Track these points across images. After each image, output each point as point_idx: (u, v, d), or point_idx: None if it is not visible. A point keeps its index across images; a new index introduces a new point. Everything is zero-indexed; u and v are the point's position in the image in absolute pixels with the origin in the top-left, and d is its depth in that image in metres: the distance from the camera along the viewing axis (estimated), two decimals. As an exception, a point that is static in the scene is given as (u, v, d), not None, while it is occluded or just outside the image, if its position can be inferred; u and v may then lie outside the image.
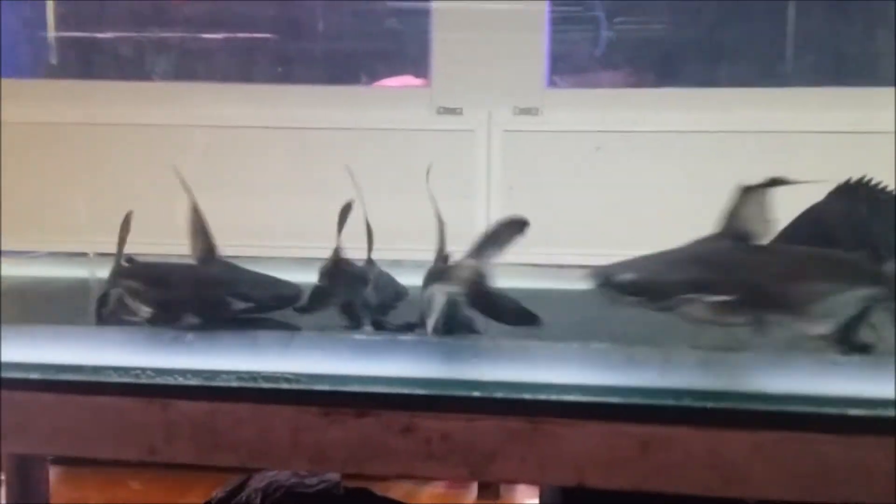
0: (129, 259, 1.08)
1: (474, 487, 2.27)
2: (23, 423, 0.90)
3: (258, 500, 1.38)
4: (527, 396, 0.88)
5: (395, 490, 1.70)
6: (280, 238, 1.87)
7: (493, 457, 0.88)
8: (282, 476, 1.42)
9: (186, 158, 1.97)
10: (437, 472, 0.89)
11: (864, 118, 1.88)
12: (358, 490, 1.41)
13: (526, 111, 1.98)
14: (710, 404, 0.87)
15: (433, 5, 1.98)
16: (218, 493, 1.47)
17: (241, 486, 1.47)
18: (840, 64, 2.10)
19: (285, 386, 0.89)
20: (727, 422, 0.86)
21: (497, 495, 2.35)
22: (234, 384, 0.89)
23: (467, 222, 2.03)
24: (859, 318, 0.93)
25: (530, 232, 1.99)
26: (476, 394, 0.88)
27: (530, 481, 0.89)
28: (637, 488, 0.87)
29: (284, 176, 1.87)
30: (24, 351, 0.91)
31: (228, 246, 1.91)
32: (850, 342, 0.93)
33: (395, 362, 0.90)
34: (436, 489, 2.23)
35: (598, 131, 1.95)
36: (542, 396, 0.88)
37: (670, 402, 0.87)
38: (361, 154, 1.98)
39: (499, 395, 0.88)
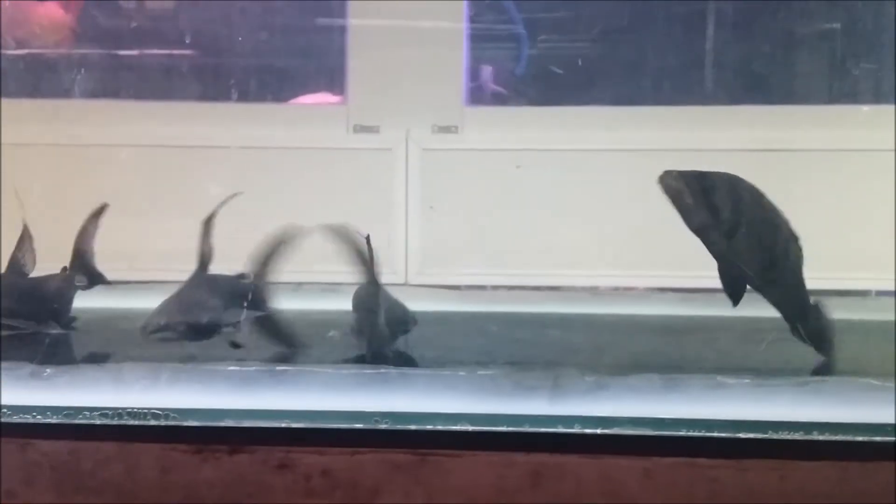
0: None
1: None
2: None
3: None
4: (412, 427, 0.84)
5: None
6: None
7: (377, 492, 0.83)
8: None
9: (93, 178, 1.89)
10: (318, 510, 0.84)
11: (782, 136, 1.90)
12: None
13: (445, 129, 1.95)
14: (600, 430, 0.84)
15: (350, 22, 1.94)
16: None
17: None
18: (756, 82, 2.12)
19: (153, 422, 0.83)
20: (618, 448, 0.84)
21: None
22: (98, 421, 0.83)
23: (387, 242, 2.00)
24: None
25: (451, 253, 1.96)
26: (359, 425, 0.84)
27: (416, 516, 0.84)
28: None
29: (196, 196, 1.81)
30: None
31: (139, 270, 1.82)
32: None
33: (271, 394, 0.86)
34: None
35: (519, 149, 1.93)
36: (429, 426, 0.84)
37: (560, 429, 0.84)
38: (277, 173, 1.92)
39: (383, 426, 0.84)
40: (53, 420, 0.83)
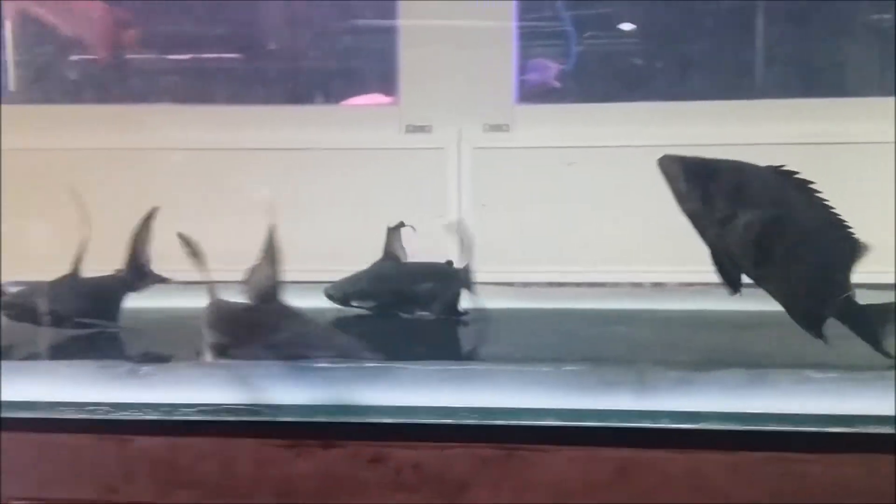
0: None
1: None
2: (-27, 465, 0.85)
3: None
4: (499, 422, 0.85)
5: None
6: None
7: (466, 485, 0.85)
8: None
9: (155, 182, 1.93)
10: (409, 503, 0.86)
11: (836, 129, 1.88)
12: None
13: (496, 128, 1.96)
14: (687, 425, 0.85)
15: (400, 23, 1.96)
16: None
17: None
18: (809, 75, 2.10)
19: (248, 418, 0.85)
20: (706, 443, 0.84)
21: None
22: (194, 417, 0.85)
23: (440, 241, 2.01)
24: None
25: (502, 250, 1.97)
26: (447, 421, 0.85)
27: (505, 510, 0.85)
28: (616, 514, 0.84)
29: (251, 198, 1.84)
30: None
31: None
32: None
33: (362, 390, 0.87)
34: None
35: (570, 146, 1.93)
36: (515, 422, 0.85)
37: (647, 424, 0.85)
38: (330, 174, 1.95)
39: (470, 421, 0.85)
40: (152, 417, 0.85)
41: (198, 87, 2.14)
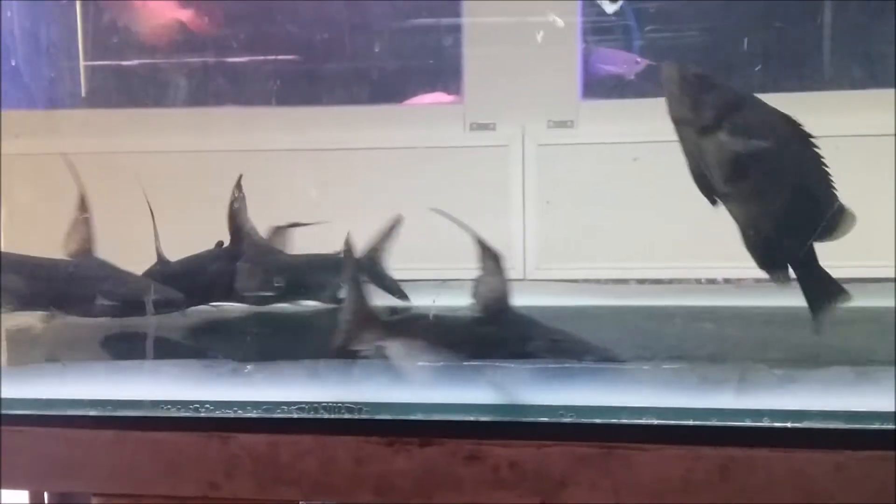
0: None
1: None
2: (81, 461, 0.88)
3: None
4: (597, 420, 0.85)
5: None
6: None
7: (564, 483, 0.84)
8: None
9: (221, 184, 1.96)
10: (506, 501, 0.86)
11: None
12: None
13: (560, 124, 1.95)
14: (790, 424, 0.83)
15: (464, 21, 1.96)
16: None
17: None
18: (875, 66, 2.05)
19: (347, 416, 0.86)
20: (809, 442, 0.83)
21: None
22: (295, 415, 0.86)
23: (505, 239, 2.01)
24: None
25: (568, 248, 1.95)
26: (544, 419, 0.85)
27: (605, 508, 0.85)
28: (717, 513, 0.83)
29: (318, 199, 1.86)
30: (81, 387, 0.90)
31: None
32: None
33: (459, 389, 0.88)
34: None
35: (635, 142, 1.91)
36: (614, 420, 0.85)
37: (748, 422, 0.84)
38: (394, 174, 1.95)
39: (567, 419, 0.85)
40: (254, 414, 0.87)
41: (260, 89, 2.16)
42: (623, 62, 1.98)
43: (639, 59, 1.93)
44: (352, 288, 1.02)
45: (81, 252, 1.16)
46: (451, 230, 1.93)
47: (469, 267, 1.81)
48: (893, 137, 1.74)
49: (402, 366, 0.90)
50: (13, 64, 2.06)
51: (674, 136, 1.90)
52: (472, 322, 0.96)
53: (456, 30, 1.96)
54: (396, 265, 1.67)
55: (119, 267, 1.20)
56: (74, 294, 1.11)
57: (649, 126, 1.97)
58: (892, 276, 1.53)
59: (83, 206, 1.18)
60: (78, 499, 1.55)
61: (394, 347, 0.95)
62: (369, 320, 0.97)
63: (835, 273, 1.04)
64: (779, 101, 1.92)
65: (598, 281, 1.87)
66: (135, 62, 2.15)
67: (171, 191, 1.84)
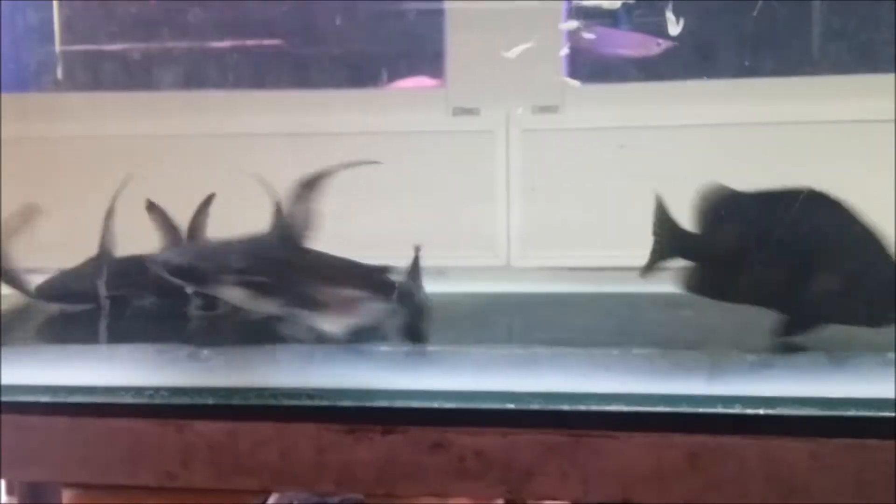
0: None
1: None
2: (35, 450, 0.85)
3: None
4: (565, 407, 0.82)
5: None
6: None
7: (531, 474, 0.82)
8: (302, 496, 1.37)
9: (204, 169, 1.93)
10: (472, 492, 0.83)
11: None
12: (384, 506, 1.35)
13: (545, 109, 1.92)
14: (763, 410, 0.81)
15: (446, 4, 1.93)
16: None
17: (263, 505, 1.42)
18: (874, 51, 2.02)
19: (307, 403, 0.84)
20: (783, 429, 0.80)
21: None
22: (254, 402, 0.84)
23: (489, 225, 1.98)
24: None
25: (553, 235, 1.93)
26: (511, 406, 0.82)
27: (572, 499, 0.83)
28: (688, 503, 0.81)
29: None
30: (33, 372, 0.87)
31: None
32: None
33: (423, 375, 0.85)
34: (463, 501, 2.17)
35: (622, 127, 1.88)
36: (582, 407, 0.82)
37: (720, 409, 0.81)
38: (376, 159, 1.92)
39: (535, 406, 0.82)
40: (210, 401, 0.84)
41: (241, 73, 2.13)
42: (638, 44, 1.87)
43: (660, 41, 1.82)
44: None
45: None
46: (432, 218, 1.90)
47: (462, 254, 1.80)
48: (894, 123, 1.72)
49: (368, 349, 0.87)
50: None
51: (661, 122, 1.88)
52: None
53: (439, 13, 1.93)
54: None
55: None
56: None
57: (636, 111, 1.96)
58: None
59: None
60: (47, 489, 1.52)
61: None
62: None
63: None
64: (770, 85, 1.91)
65: (581, 269, 1.85)
66: (115, 45, 2.11)
67: (152, 175, 1.82)
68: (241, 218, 1.29)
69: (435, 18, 1.95)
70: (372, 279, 1.01)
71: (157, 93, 2.08)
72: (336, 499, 1.33)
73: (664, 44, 1.77)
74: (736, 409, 0.81)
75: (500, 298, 1.44)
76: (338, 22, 2.09)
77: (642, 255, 1.85)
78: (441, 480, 0.83)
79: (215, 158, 2.00)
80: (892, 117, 1.77)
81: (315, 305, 0.92)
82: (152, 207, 1.19)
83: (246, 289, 0.92)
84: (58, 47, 2.08)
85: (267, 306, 0.93)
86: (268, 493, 1.40)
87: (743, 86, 1.86)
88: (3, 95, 2.01)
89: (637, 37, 1.83)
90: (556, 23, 1.94)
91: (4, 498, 2.00)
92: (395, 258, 1.67)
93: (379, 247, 1.69)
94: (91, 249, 1.41)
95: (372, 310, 0.94)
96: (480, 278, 1.66)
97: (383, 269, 1.05)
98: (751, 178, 1.84)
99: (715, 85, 1.89)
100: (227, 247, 1.01)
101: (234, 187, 1.85)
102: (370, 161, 1.19)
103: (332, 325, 0.89)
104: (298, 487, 0.83)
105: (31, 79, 2.15)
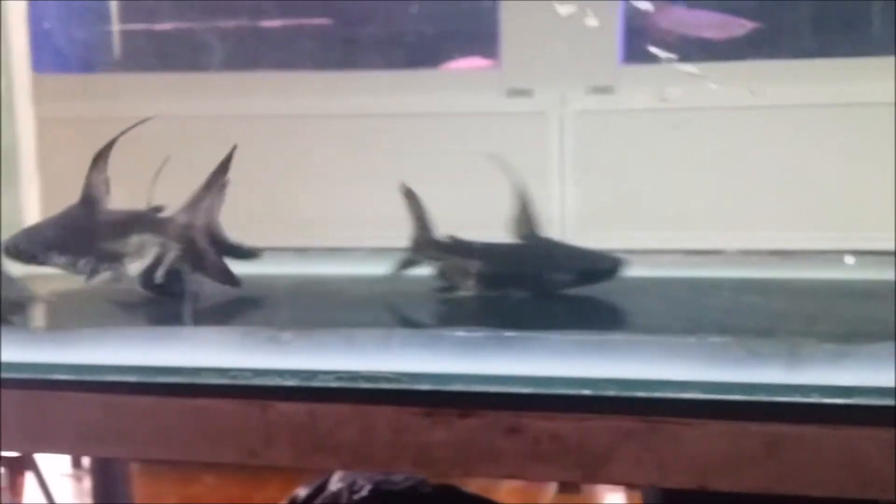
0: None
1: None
2: (121, 427, 0.88)
3: (344, 498, 1.36)
4: (641, 394, 0.83)
5: (473, 484, 1.67)
6: (355, 228, 1.84)
7: (607, 458, 0.83)
8: (365, 473, 1.39)
9: (252, 149, 1.94)
10: (547, 474, 0.85)
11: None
12: (444, 486, 1.38)
13: (600, 90, 1.91)
14: (841, 400, 0.81)
15: (502, -17, 1.92)
16: (300, 490, 1.45)
17: (324, 484, 1.44)
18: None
19: (386, 386, 0.85)
20: (860, 419, 0.80)
21: (578, 490, 2.29)
22: (334, 384, 0.86)
23: (542, 208, 1.98)
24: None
25: (607, 217, 1.93)
26: (587, 392, 0.83)
27: (647, 483, 0.84)
28: (764, 491, 0.82)
29: (354, 166, 1.85)
30: (121, 353, 0.90)
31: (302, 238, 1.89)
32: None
33: (500, 359, 0.86)
34: (516, 483, 2.19)
35: (677, 108, 1.86)
36: (659, 394, 0.83)
37: (798, 398, 0.81)
38: (429, 140, 1.93)
39: (611, 392, 0.83)
40: (292, 383, 0.86)
41: (295, 53, 2.14)
42: (720, 25, 1.82)
43: (744, 22, 1.76)
44: None
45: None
46: (485, 199, 1.91)
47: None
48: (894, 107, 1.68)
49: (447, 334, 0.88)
50: (46, 27, 2.06)
51: (718, 103, 1.86)
52: None
53: (494, -7, 1.92)
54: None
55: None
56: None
57: (692, 92, 1.94)
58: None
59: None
60: (118, 464, 1.57)
61: None
62: None
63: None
64: (827, 66, 1.87)
65: (636, 252, 1.84)
66: (169, 25, 2.14)
67: (204, 156, 1.84)
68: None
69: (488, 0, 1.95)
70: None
71: (209, 73, 2.10)
72: (400, 476, 1.35)
73: (748, 25, 1.73)
74: (814, 399, 0.81)
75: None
76: (392, 2, 2.09)
77: (697, 237, 1.86)
78: (517, 463, 0.84)
79: (266, 140, 2.03)
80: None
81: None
82: (409, 193, 1.27)
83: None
84: (114, 27, 2.11)
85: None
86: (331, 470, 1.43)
87: (803, 66, 1.84)
88: (59, 76, 2.05)
89: (719, 17, 1.78)
90: (611, 5, 1.93)
91: (70, 470, 2.07)
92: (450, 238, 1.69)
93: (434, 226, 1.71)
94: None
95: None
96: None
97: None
98: (809, 160, 1.83)
99: (773, 65, 1.87)
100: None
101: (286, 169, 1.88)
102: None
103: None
104: (376, 467, 0.85)
105: (87, 59, 2.19)
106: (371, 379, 0.85)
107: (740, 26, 1.73)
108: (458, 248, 1.23)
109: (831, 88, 1.81)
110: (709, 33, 1.76)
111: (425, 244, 1.24)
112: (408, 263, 1.26)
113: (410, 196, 1.27)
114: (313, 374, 0.86)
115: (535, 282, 1.18)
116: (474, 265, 1.17)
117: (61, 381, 0.89)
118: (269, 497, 2.56)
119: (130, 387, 0.88)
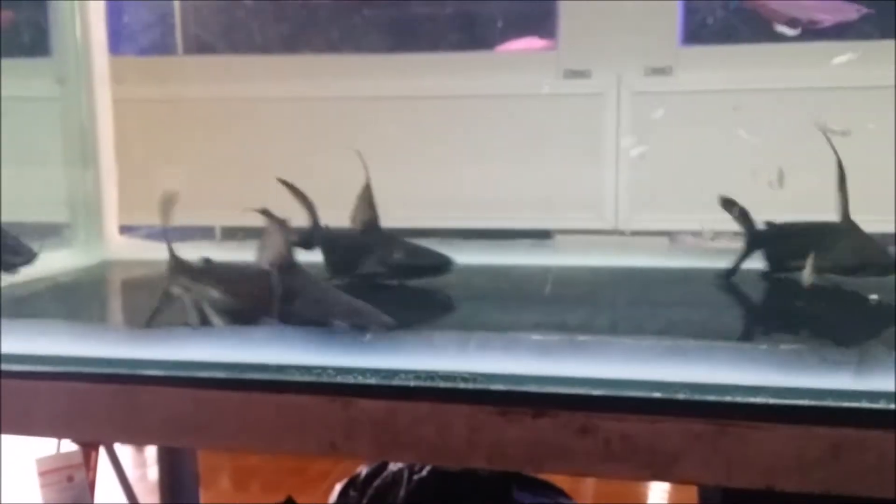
0: (207, 260, 1.11)
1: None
2: (209, 420, 0.93)
3: (405, 477, 1.41)
4: (711, 398, 0.86)
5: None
6: (412, 209, 1.87)
7: (676, 458, 0.86)
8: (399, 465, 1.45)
9: (308, 130, 1.98)
10: (617, 473, 0.88)
11: None
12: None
13: (658, 71, 1.91)
14: (905, 407, 0.82)
15: (560, -36, 1.91)
16: (362, 469, 1.51)
17: (385, 463, 1.50)
18: None
19: (462, 385, 0.89)
20: (927, 425, 0.82)
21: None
22: (412, 383, 0.90)
23: (596, 189, 2.00)
24: None
25: (663, 199, 1.93)
26: (657, 395, 0.86)
27: (716, 483, 0.87)
28: (828, 492, 0.84)
29: (410, 147, 1.88)
30: (211, 350, 0.95)
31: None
32: None
33: (572, 361, 0.89)
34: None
35: (737, 90, 1.85)
36: (728, 398, 0.85)
37: (864, 404, 0.83)
38: (486, 122, 1.95)
39: (681, 396, 0.86)
40: (373, 381, 0.90)
41: (350, 36, 2.16)
42: (835, 9, 1.75)
43: (859, 7, 1.70)
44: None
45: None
46: (542, 180, 1.91)
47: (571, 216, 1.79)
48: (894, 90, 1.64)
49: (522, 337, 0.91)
50: (118, 12, 2.11)
51: (778, 84, 1.84)
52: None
53: (551, -26, 1.91)
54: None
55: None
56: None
57: (751, 73, 1.92)
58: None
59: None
60: (185, 455, 1.65)
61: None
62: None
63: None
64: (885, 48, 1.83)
65: (693, 234, 1.84)
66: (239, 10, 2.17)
67: (273, 137, 1.87)
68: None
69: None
70: None
71: (266, 55, 2.13)
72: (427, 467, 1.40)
73: (863, 9, 1.69)
74: (881, 405, 0.83)
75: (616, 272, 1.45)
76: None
77: (757, 221, 1.85)
78: (588, 461, 0.87)
79: (325, 121, 2.06)
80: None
81: None
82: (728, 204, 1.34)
83: None
84: (177, 14, 2.15)
85: None
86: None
87: (865, 48, 1.80)
88: (124, 58, 2.10)
89: (833, 2, 1.73)
90: (670, -18, 1.91)
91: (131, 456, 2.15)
92: (504, 220, 1.72)
93: (487, 209, 1.74)
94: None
95: None
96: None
97: None
98: (864, 141, 1.80)
99: (831, 47, 1.83)
100: None
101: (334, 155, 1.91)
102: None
103: None
104: (452, 462, 0.89)
105: (150, 43, 2.24)
106: (448, 378, 0.89)
107: (856, 11, 1.68)
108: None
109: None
110: (821, 16, 1.71)
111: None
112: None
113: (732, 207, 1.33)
114: (393, 373, 0.90)
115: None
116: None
117: (153, 376, 0.94)
118: (323, 469, 2.65)
119: (220, 382, 0.93)
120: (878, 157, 1.75)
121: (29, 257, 1.20)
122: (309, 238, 1.26)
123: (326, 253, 1.26)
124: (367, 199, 1.25)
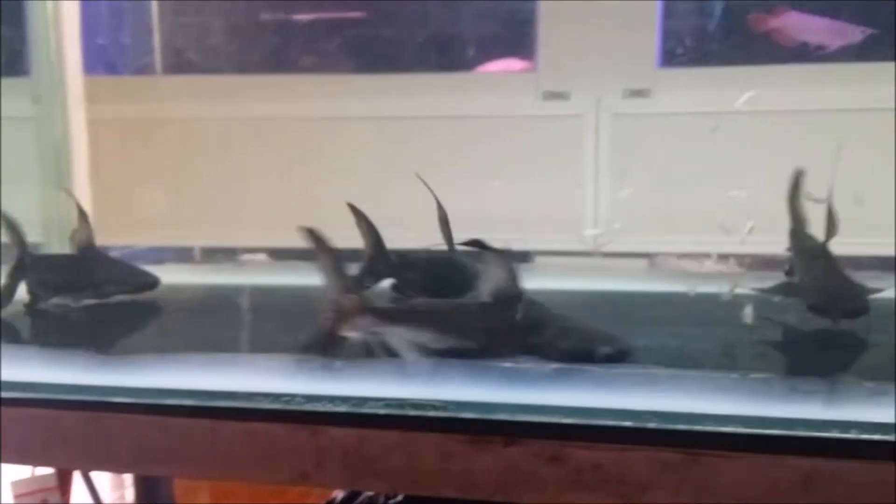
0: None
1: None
2: (178, 448, 0.92)
3: (380, 502, 1.40)
4: (681, 427, 0.85)
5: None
6: (389, 229, 1.86)
7: (646, 487, 0.85)
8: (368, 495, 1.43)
9: (287, 150, 1.98)
10: (588, 501, 0.87)
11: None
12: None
13: (636, 93, 1.91)
14: (878, 436, 0.82)
15: (540, -13, 1.92)
16: (338, 493, 1.49)
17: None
18: None
19: (432, 413, 0.88)
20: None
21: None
22: (382, 411, 0.89)
23: (576, 211, 2.00)
24: None
25: (642, 221, 1.93)
26: (628, 423, 0.86)
27: (685, 513, 0.86)
28: (800, 523, 0.84)
29: (386, 167, 1.87)
30: (179, 378, 0.94)
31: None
32: None
33: (542, 390, 0.89)
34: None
35: (714, 112, 1.86)
36: (699, 427, 0.85)
37: (835, 434, 0.83)
38: (465, 143, 1.95)
39: (652, 425, 0.86)
40: (343, 409, 0.89)
41: (329, 57, 2.16)
42: (838, 32, 1.74)
43: (863, 28, 1.68)
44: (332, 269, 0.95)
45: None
46: (520, 202, 1.91)
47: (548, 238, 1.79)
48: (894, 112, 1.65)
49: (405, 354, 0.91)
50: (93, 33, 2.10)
51: (754, 107, 1.85)
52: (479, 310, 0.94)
53: (531, -4, 1.92)
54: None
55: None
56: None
57: (729, 95, 1.93)
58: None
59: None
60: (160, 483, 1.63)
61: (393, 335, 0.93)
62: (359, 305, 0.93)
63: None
64: (862, 70, 1.85)
65: (671, 255, 1.85)
66: (213, 30, 2.16)
67: (235, 157, 1.87)
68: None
69: (526, 2, 1.95)
70: None
71: (246, 76, 2.13)
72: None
73: (866, 31, 1.68)
74: (852, 434, 0.83)
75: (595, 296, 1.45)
76: (428, 4, 2.10)
77: (733, 241, 1.86)
78: (558, 490, 0.87)
79: (303, 142, 2.06)
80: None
81: None
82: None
83: None
84: (155, 32, 2.15)
85: None
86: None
87: (839, 71, 1.82)
88: (109, 78, 2.09)
89: (836, 24, 1.72)
90: (650, 5, 1.92)
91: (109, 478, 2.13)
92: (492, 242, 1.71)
93: (465, 230, 1.73)
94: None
95: None
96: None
97: None
98: (847, 163, 1.80)
99: (809, 70, 1.85)
100: None
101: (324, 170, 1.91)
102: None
103: None
104: (422, 492, 0.89)
105: (126, 62, 2.23)
106: (418, 406, 0.88)
107: (860, 33, 1.67)
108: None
109: (870, 91, 1.80)
110: (827, 39, 1.70)
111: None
112: None
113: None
114: (363, 400, 0.89)
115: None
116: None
117: (121, 403, 0.93)
118: (302, 490, 2.63)
119: (189, 410, 0.92)
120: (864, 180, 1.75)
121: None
122: (378, 265, 1.24)
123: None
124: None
